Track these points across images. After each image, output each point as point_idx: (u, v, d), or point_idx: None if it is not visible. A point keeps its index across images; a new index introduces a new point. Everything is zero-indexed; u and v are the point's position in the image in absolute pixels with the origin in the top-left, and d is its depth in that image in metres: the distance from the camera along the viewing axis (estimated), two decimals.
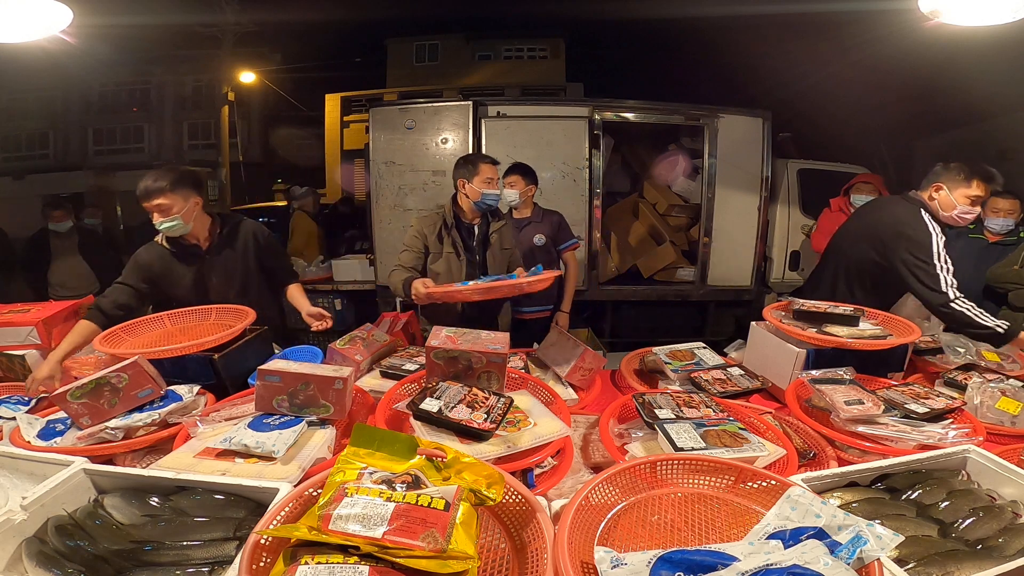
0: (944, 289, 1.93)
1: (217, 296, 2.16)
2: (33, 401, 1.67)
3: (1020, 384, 1.59)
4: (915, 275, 2.00)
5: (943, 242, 2.02)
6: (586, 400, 1.73)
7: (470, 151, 4.09)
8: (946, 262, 1.98)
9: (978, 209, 2.08)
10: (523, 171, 2.96)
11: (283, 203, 8.34)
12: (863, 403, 1.40)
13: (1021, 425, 1.46)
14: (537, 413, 1.33)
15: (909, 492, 1.10)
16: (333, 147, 9.97)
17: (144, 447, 1.36)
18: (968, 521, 1.00)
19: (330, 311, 4.95)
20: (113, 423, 1.35)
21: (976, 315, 1.88)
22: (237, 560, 0.84)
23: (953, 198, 2.05)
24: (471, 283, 2.03)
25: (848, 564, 0.75)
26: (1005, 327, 1.84)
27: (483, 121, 4.14)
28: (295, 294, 2.40)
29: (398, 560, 0.72)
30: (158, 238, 2.13)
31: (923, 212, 2.08)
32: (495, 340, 1.49)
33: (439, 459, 0.93)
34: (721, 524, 0.95)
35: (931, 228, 2.04)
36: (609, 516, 0.96)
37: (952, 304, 1.91)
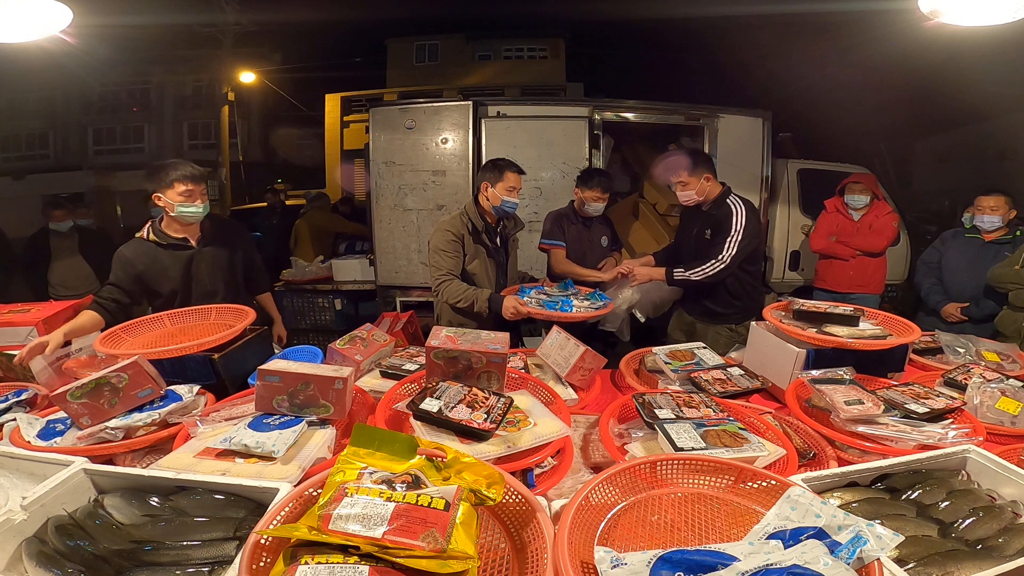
0: None
1: (203, 292, 2.21)
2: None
3: (1020, 384, 1.58)
4: None
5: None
6: (586, 400, 1.73)
7: (470, 151, 4.09)
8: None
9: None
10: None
11: (263, 203, 8.33)
12: (863, 403, 1.40)
13: (1021, 425, 1.46)
14: (537, 413, 1.33)
15: (909, 492, 1.09)
16: (333, 147, 9.97)
17: (144, 447, 1.36)
18: (968, 521, 1.00)
19: (330, 311, 4.98)
20: (113, 423, 1.34)
21: None
22: (237, 560, 0.84)
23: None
24: (574, 311, 2.29)
25: (848, 564, 0.75)
26: None
27: (483, 121, 4.13)
28: (270, 304, 2.57)
29: (398, 560, 0.72)
30: (141, 234, 2.17)
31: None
32: (495, 340, 1.49)
33: (439, 459, 0.93)
34: (721, 524, 0.95)
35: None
36: (609, 516, 0.96)
37: None
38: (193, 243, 2.21)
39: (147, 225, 2.18)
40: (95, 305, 2.06)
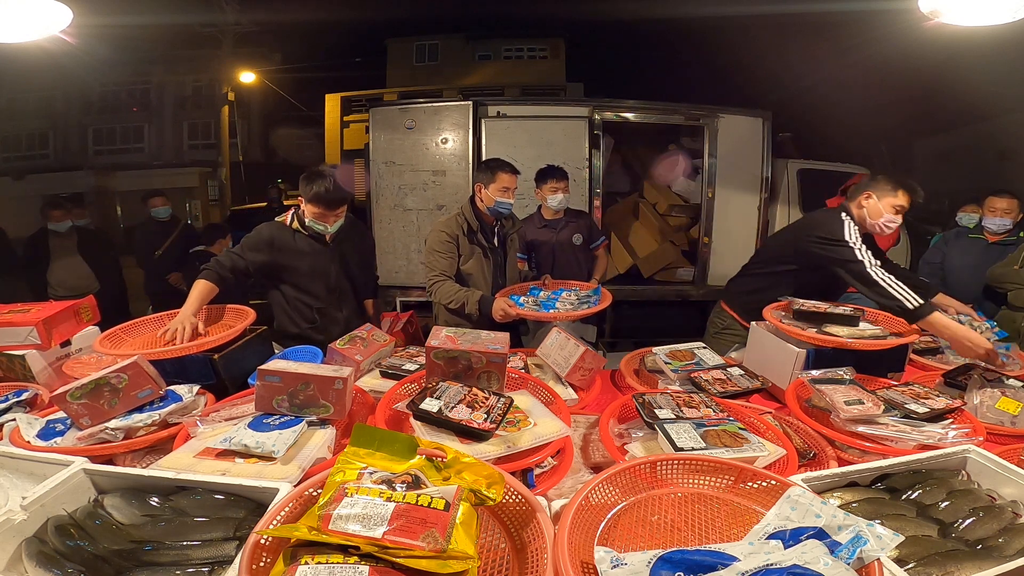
0: (860, 258, 2.00)
1: (331, 286, 2.31)
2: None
3: (1020, 384, 1.58)
4: (828, 255, 2.07)
5: (857, 235, 2.08)
6: (586, 400, 1.73)
7: (470, 151, 4.09)
8: (860, 242, 2.05)
9: (900, 219, 2.13)
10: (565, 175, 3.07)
11: (263, 204, 8.33)
12: (863, 403, 1.40)
13: (1021, 425, 1.46)
14: (537, 413, 1.33)
15: (909, 492, 1.09)
16: (333, 147, 9.95)
17: (144, 447, 1.36)
18: (968, 521, 1.00)
19: None
20: (113, 423, 1.34)
21: (891, 286, 1.90)
22: (237, 560, 0.84)
23: (881, 206, 2.11)
24: (560, 309, 2.29)
25: (848, 564, 0.75)
26: (916, 304, 1.84)
27: (483, 121, 4.14)
28: (373, 312, 2.62)
29: (398, 560, 0.72)
30: (284, 219, 2.26)
31: (844, 215, 2.14)
32: (495, 340, 1.49)
33: (439, 459, 0.93)
34: (721, 524, 0.95)
35: (846, 223, 2.10)
36: (609, 516, 0.96)
37: (870, 270, 1.96)
38: (328, 239, 2.29)
39: (291, 211, 2.27)
40: (211, 273, 2.00)
